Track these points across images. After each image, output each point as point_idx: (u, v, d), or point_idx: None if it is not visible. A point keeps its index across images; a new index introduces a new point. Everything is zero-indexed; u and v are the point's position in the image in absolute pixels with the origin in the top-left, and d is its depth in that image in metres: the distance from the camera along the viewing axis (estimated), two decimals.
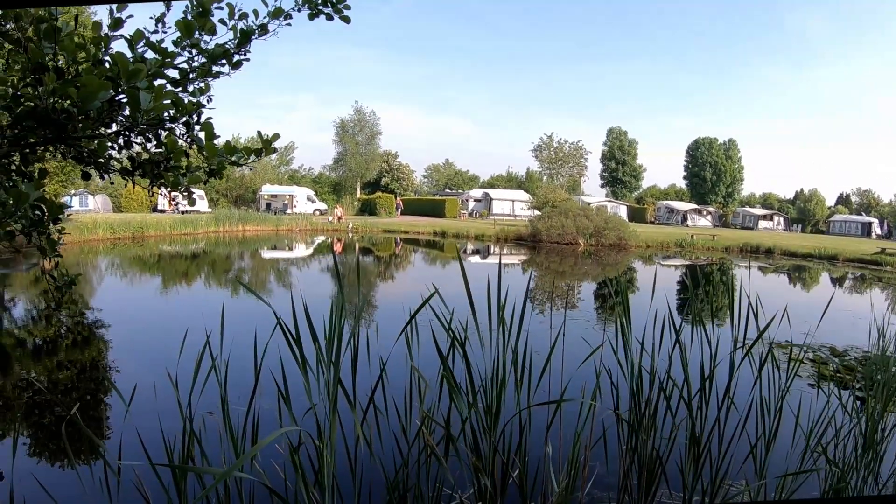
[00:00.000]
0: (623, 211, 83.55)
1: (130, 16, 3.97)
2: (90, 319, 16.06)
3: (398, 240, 50.31)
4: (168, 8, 4.18)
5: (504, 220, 70.70)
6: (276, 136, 3.89)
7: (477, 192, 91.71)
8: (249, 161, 3.84)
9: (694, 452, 5.16)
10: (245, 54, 4.24)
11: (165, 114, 3.76)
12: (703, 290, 21.06)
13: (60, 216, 3.77)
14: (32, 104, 3.60)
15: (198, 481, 4.81)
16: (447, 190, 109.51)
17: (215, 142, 3.87)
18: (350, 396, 4.39)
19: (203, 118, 4.05)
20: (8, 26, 4.22)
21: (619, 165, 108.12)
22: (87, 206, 59.00)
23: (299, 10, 4.36)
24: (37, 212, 3.48)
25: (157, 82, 3.73)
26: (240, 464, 2.78)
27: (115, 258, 33.55)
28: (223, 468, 3.82)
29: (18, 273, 25.46)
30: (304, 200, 75.11)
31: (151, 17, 4.15)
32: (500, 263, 5.25)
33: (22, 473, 5.71)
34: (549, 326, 5.87)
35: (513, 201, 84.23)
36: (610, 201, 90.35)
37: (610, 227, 47.35)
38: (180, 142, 4.00)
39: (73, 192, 49.23)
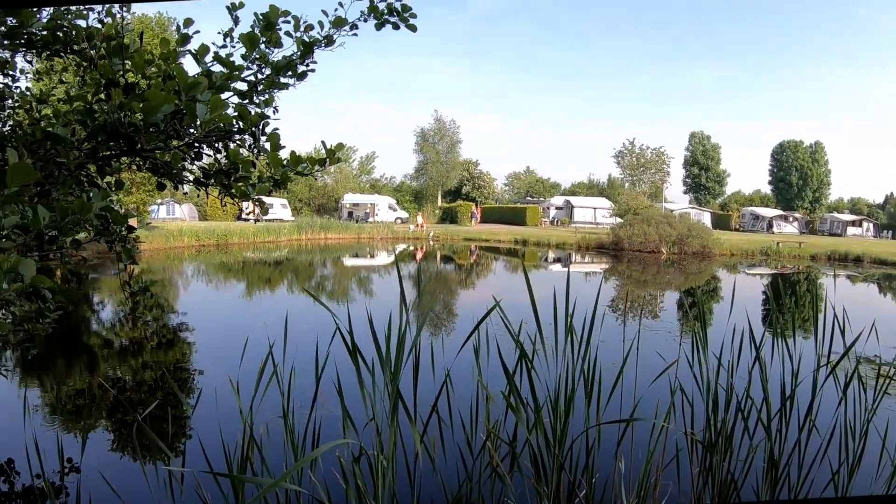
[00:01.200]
0: (707, 218, 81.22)
1: (197, 31, 4.06)
2: (174, 323, 16.54)
3: (473, 248, 50.18)
4: (236, 22, 4.24)
5: (585, 228, 69.97)
6: (340, 147, 3.89)
7: (558, 200, 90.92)
8: (314, 171, 3.86)
9: (771, 476, 4.93)
10: (309, 65, 4.27)
11: (234, 125, 3.82)
12: (787, 301, 20.34)
13: (132, 226, 3.86)
14: (104, 118, 3.71)
15: (257, 489, 4.82)
16: (528, 198, 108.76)
17: (280, 153, 3.90)
18: (410, 408, 4.34)
19: (269, 129, 4.10)
20: (82, 45, 4.37)
21: (702, 171, 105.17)
22: (174, 214, 61.36)
23: (366, 21, 4.37)
24: (103, 220, 3.56)
25: (225, 95, 3.78)
26: (290, 473, 2.77)
27: (200, 264, 34.51)
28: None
29: (108, 278, 26.47)
30: (385, 209, 75.79)
31: (220, 32, 4.22)
32: (568, 273, 5.16)
33: (92, 469, 5.87)
34: (623, 339, 5.73)
35: (594, 209, 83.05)
36: (693, 208, 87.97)
37: (693, 235, 46.23)
38: (245, 152, 4.05)
39: (159, 201, 51.06)
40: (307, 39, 4.18)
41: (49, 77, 7.97)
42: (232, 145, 4.08)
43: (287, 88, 4.34)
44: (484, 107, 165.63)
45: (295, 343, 4.85)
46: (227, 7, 4.22)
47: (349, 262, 40.04)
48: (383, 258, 42.66)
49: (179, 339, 14.66)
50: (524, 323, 4.87)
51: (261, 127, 4.03)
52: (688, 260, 42.99)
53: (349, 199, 77.76)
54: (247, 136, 4.06)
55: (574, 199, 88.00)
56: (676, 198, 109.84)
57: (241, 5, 4.25)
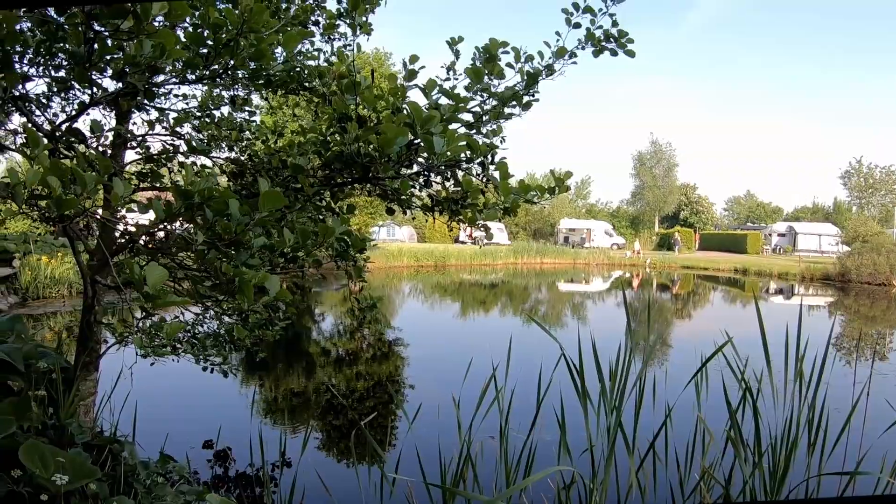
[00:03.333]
0: None
1: (423, 66, 4.27)
2: (390, 337, 17.31)
3: (675, 277, 47.77)
4: (457, 56, 4.44)
5: (810, 256, 65.07)
6: (569, 174, 3.94)
7: (780, 226, 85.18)
8: (544, 199, 3.93)
9: None
10: (534, 95, 4.38)
11: (462, 155, 4.00)
12: None
13: (365, 248, 4.15)
14: (339, 149, 4.03)
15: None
16: (748, 223, 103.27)
17: (509, 181, 4.01)
18: (630, 441, 4.30)
19: (497, 158, 4.24)
20: (314, 83, 4.78)
21: None
22: (395, 236, 64.68)
23: (583, 48, 4.42)
24: (342, 243, 3.87)
25: (452, 126, 3.97)
26: (509, 494, 2.84)
27: (418, 283, 35.86)
28: (493, 495, 3.92)
29: (329, 292, 28.19)
30: (601, 234, 75.05)
31: (442, 66, 4.44)
32: (800, 311, 4.87)
33: (304, 465, 6.27)
34: (852, 381, 5.25)
35: (819, 235, 76.84)
36: None
37: None
38: (475, 181, 4.21)
39: (380, 223, 53.70)
40: (530, 70, 4.30)
41: (281, 111, 8.73)
42: (460, 173, 4.26)
43: (510, 118, 4.49)
44: (700, 127, 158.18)
45: (516, 364, 4.94)
46: (447, 41, 4.43)
47: (564, 287, 39.94)
48: (598, 284, 42.18)
49: (394, 353, 15.35)
50: (748, 359, 4.67)
51: (490, 157, 4.17)
52: None
53: (565, 223, 77.74)
54: (474, 165, 4.22)
55: (797, 225, 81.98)
56: None
57: (461, 39, 4.43)
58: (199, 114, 6.05)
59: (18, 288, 21.83)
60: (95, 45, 3.09)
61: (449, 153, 3.44)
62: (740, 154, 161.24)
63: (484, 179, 4.22)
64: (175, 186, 2.73)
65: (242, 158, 5.66)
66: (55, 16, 3.35)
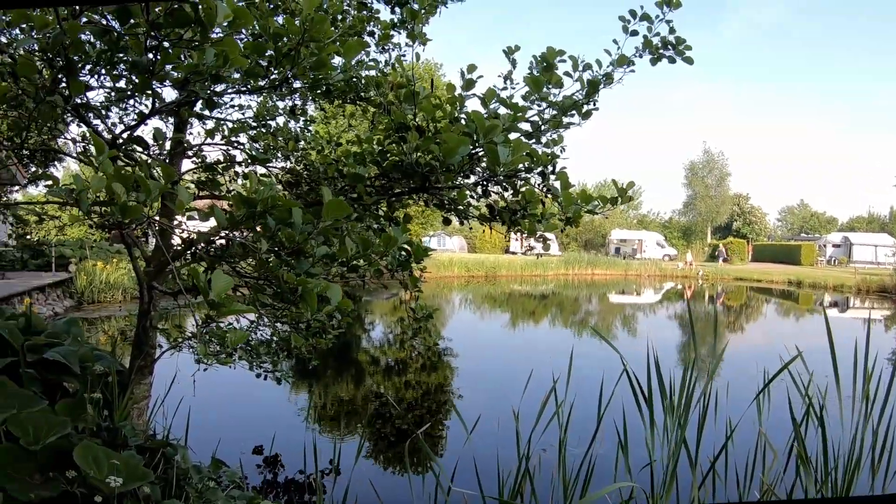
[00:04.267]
0: None
1: (481, 76, 4.23)
2: (440, 347, 17.29)
3: (719, 291, 46.64)
4: (514, 65, 4.40)
5: (865, 268, 63.28)
6: (631, 184, 3.88)
7: (835, 237, 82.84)
8: (605, 210, 3.87)
9: None
10: (594, 104, 4.32)
11: (520, 164, 3.95)
12: None
13: (426, 257, 4.12)
14: (397, 159, 4.02)
15: None
16: (802, 234, 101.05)
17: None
18: (693, 457, 4.20)
19: (558, 168, 4.18)
20: (370, 93, 4.79)
21: None
22: (445, 245, 64.89)
23: (640, 56, 4.34)
24: (402, 252, 3.83)
25: (512, 136, 3.92)
26: None
27: (468, 294, 35.83)
28: None
29: (379, 301, 28.33)
30: (653, 245, 74.18)
31: (500, 76, 4.40)
32: (868, 326, 4.71)
33: (354, 472, 6.26)
34: None
35: (875, 246, 74.64)
36: None
37: None
38: (536, 191, 4.16)
39: (431, 233, 53.91)
40: (590, 78, 4.23)
41: (335, 121, 8.83)
42: (520, 183, 4.22)
43: (569, 128, 4.42)
44: (751, 133, 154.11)
45: (574, 377, 4.87)
46: (504, 51, 4.39)
47: (615, 298, 39.57)
48: (650, 296, 41.65)
49: (443, 363, 15.31)
50: (812, 374, 4.53)
51: (550, 167, 4.12)
52: None
53: (616, 234, 77.02)
54: (534, 175, 4.18)
55: (852, 236, 79.66)
56: None
57: (518, 49, 4.39)
58: (254, 124, 6.13)
59: (74, 292, 22.60)
60: (158, 55, 3.12)
61: (512, 164, 3.41)
62: (793, 158, 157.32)
63: (544, 189, 4.16)
64: (238, 195, 2.73)
65: (298, 168, 5.69)
66: (116, 25, 3.39)
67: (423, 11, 4.54)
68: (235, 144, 5.96)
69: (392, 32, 5.50)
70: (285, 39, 3.21)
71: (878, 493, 4.53)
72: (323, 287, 2.70)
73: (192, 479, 4.16)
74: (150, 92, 3.75)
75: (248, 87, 3.84)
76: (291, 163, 5.84)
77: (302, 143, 6.12)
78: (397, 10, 5.87)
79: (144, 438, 4.19)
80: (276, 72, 3.41)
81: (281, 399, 10.86)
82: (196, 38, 2.89)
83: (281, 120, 6.45)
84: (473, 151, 3.67)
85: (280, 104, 6.42)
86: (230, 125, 5.93)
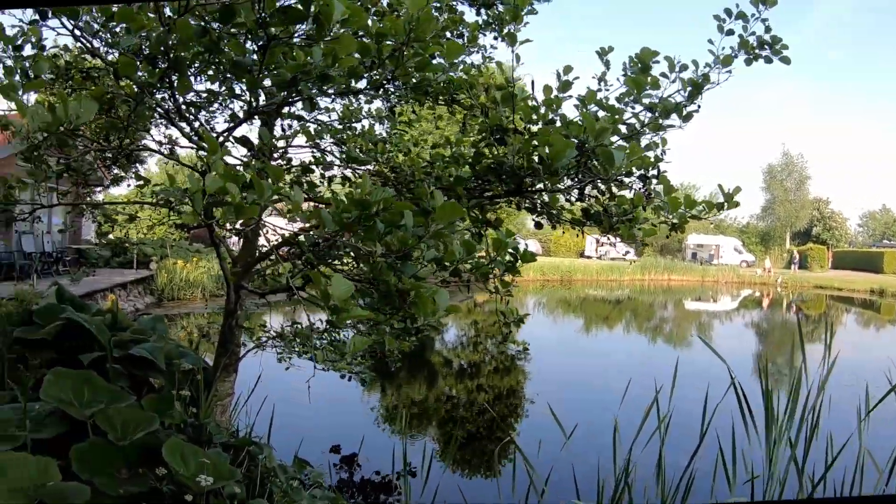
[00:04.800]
0: None
1: (577, 77, 4.12)
2: (512, 351, 17.15)
3: (795, 298, 45.32)
4: (608, 67, 4.28)
5: None
6: (738, 190, 3.74)
7: None
8: (711, 215, 3.75)
9: None
10: (696, 106, 4.18)
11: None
12: None
13: (532, 261, 4.04)
14: (490, 161, 3.95)
15: None
16: (885, 241, 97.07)
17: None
18: (800, 478, 4.03)
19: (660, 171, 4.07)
20: (461, 95, 4.72)
21: None
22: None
23: (735, 56, 4.19)
24: (511, 256, 3.76)
25: (614, 139, 3.82)
26: None
27: (544, 298, 35.59)
28: None
29: (455, 303, 28.35)
30: (730, 251, 72.43)
31: (594, 77, 4.29)
32: None
33: (435, 475, 6.19)
34: None
35: None
36: None
37: None
38: (628, 194, 4.05)
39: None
40: (693, 78, 4.10)
41: (420, 124, 8.76)
42: (622, 187, 4.12)
43: (667, 130, 4.29)
44: (830, 133, 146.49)
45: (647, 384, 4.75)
46: (597, 52, 4.28)
47: (691, 305, 38.74)
48: (727, 303, 40.59)
49: (516, 367, 15.19)
50: None
51: (652, 170, 4.01)
52: None
53: (693, 239, 75.38)
54: (634, 179, 4.07)
55: None
56: None
57: (611, 49, 4.28)
58: (339, 126, 6.14)
59: (154, 289, 23.30)
60: (265, 54, 3.11)
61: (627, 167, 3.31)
62: (868, 157, 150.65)
63: (646, 193, 4.05)
64: (350, 196, 2.69)
65: (385, 170, 5.67)
66: (215, 26, 3.39)
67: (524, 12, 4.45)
68: (321, 147, 5.98)
69: (477, 34, 5.46)
70: (390, 39, 3.17)
71: None
72: (433, 291, 2.65)
73: (277, 478, 4.17)
74: (250, 92, 3.77)
75: (349, 87, 3.82)
76: (378, 165, 5.82)
77: (387, 145, 6.10)
78: (482, 11, 5.82)
79: (229, 436, 4.23)
80: (377, 72, 3.39)
81: (355, 400, 10.93)
82: (311, 35, 2.87)
83: (366, 122, 6.45)
84: (578, 155, 3.58)
85: (365, 106, 6.42)
86: (315, 127, 5.95)
